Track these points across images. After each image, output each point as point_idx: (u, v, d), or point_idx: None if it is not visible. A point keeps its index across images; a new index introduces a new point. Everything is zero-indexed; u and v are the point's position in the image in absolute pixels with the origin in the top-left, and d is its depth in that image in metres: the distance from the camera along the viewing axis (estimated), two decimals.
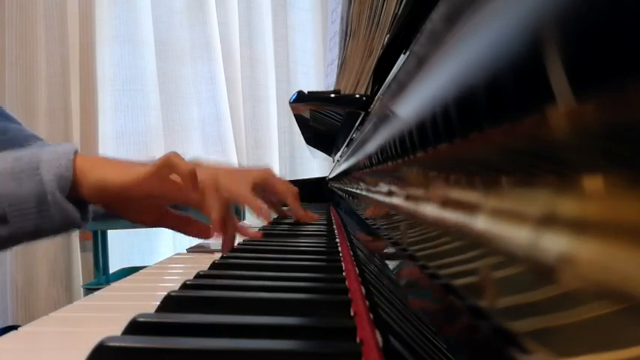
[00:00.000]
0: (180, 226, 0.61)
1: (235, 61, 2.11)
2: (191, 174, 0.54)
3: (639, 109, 0.08)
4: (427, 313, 0.27)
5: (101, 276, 1.85)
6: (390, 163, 0.36)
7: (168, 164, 0.54)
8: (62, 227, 0.53)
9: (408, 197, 0.29)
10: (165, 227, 0.61)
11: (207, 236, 0.62)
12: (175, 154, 0.55)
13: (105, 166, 0.55)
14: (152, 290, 0.40)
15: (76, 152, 0.54)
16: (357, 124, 0.65)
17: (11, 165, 0.51)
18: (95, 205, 0.57)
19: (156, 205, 0.58)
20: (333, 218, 0.92)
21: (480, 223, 0.16)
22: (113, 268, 1.92)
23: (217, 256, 0.48)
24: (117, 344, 0.21)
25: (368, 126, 0.51)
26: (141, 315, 0.25)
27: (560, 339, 0.12)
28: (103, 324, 0.28)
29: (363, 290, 0.31)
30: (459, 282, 0.20)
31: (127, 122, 2.02)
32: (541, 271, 0.12)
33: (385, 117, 0.37)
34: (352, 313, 0.27)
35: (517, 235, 0.13)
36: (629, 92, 0.08)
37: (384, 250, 0.41)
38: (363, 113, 0.60)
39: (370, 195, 0.50)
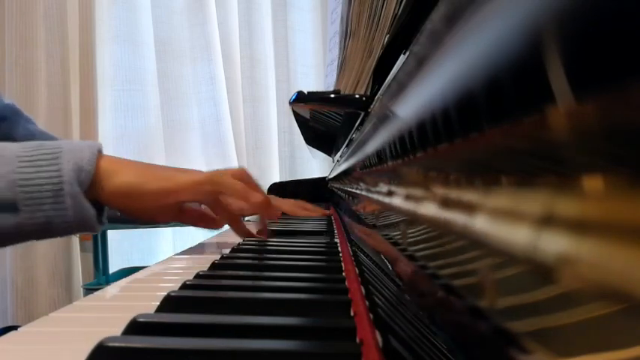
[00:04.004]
0: (197, 221, 0.60)
1: (235, 61, 2.11)
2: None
3: (639, 109, 0.08)
4: (427, 313, 0.27)
5: (101, 276, 1.85)
6: (389, 164, 0.36)
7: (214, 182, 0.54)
8: (74, 225, 0.49)
9: (407, 197, 0.29)
10: (182, 223, 0.60)
11: (220, 226, 0.62)
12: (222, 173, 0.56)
13: (133, 169, 0.53)
14: (152, 290, 0.40)
15: (100, 151, 0.52)
16: (356, 124, 0.65)
17: (31, 152, 0.48)
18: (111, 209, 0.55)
19: (176, 206, 0.57)
20: (333, 218, 0.92)
21: (480, 223, 0.16)
22: (113, 268, 1.91)
23: (217, 256, 0.48)
24: (117, 344, 0.21)
25: (368, 126, 0.51)
26: (141, 315, 0.25)
27: (560, 339, 0.12)
28: (103, 324, 0.28)
29: (363, 290, 0.31)
30: (459, 282, 0.20)
31: (127, 122, 2.02)
32: (541, 271, 0.12)
33: (385, 117, 0.37)
34: (352, 313, 0.27)
35: (517, 235, 0.13)
36: (629, 92, 0.08)
37: (384, 250, 0.41)
38: (362, 113, 0.60)
39: (370, 195, 0.50)
